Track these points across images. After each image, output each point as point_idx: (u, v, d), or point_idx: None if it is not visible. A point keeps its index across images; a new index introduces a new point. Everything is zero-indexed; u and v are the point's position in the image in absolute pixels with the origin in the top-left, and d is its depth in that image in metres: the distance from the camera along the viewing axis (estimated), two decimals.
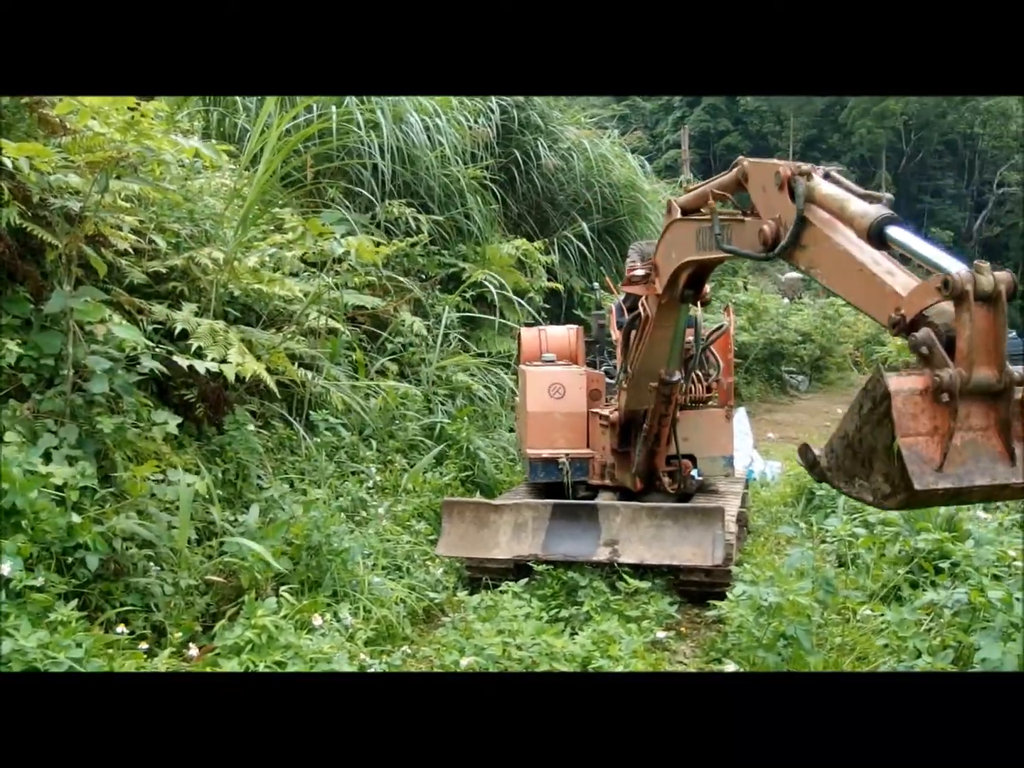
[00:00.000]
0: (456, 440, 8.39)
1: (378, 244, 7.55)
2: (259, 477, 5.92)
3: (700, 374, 6.87)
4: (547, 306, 12.53)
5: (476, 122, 11.85)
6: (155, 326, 5.45)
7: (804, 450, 3.00)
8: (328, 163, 8.95)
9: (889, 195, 3.12)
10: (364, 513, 6.37)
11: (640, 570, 5.65)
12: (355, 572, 5.28)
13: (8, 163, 4.42)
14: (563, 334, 7.87)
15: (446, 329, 9.67)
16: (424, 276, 10.10)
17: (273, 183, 7.04)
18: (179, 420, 5.02)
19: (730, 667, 4.40)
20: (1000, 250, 55.07)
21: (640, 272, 5.43)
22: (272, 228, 7.12)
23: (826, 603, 4.71)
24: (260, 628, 4.18)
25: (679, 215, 4.73)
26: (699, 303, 5.55)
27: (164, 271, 5.74)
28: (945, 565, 5.05)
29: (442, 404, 9.01)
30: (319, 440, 6.80)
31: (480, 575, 5.99)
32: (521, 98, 12.97)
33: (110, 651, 3.86)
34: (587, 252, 13.74)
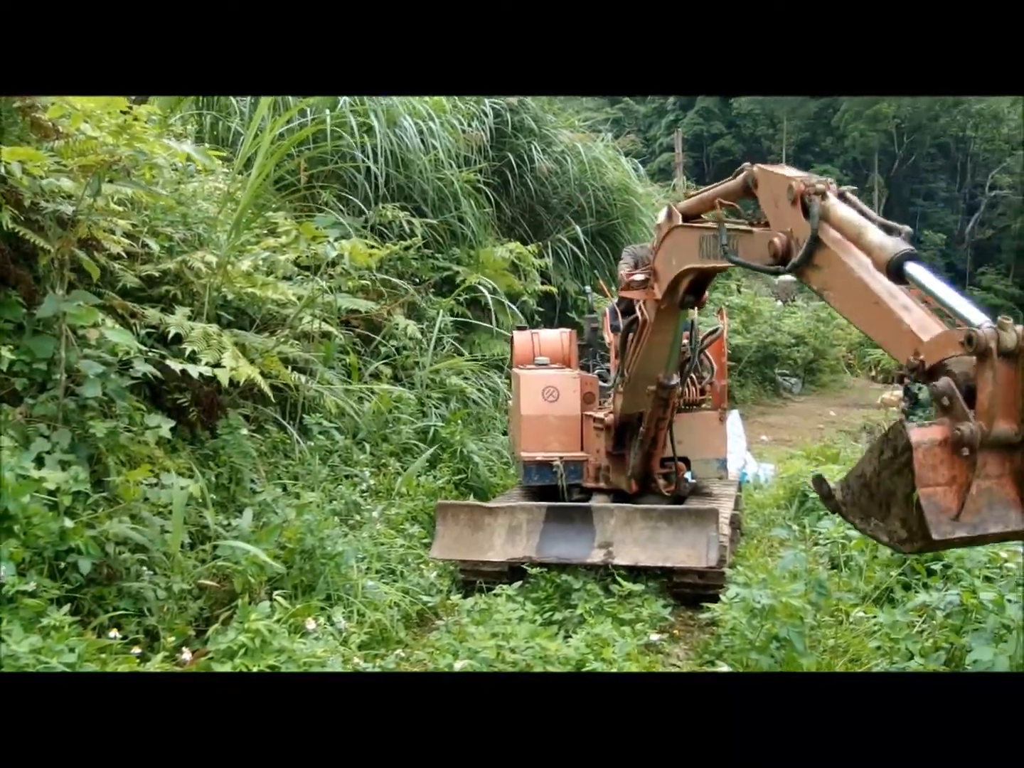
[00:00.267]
0: (450, 443, 8.39)
1: (371, 248, 7.55)
2: (252, 481, 5.91)
3: (694, 377, 6.88)
4: (541, 309, 12.54)
5: (470, 125, 11.87)
6: (148, 330, 5.44)
7: (819, 481, 3.03)
8: (322, 167, 8.95)
9: (908, 228, 3.08)
10: (358, 516, 6.37)
11: (634, 572, 5.65)
12: (349, 576, 5.27)
13: (0, 167, 4.42)
14: (556, 337, 7.87)
15: (440, 333, 9.67)
16: (418, 280, 10.10)
17: (266, 187, 7.03)
18: (172, 424, 5.01)
19: (723, 669, 4.41)
20: (992, 252, 55.25)
21: (639, 277, 5.42)
22: (265, 232, 7.12)
23: (819, 605, 4.71)
24: (253, 632, 4.18)
25: (680, 221, 4.68)
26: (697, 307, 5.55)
27: (157, 275, 5.73)
28: (937, 567, 5.05)
29: (436, 407, 9.00)
30: (312, 444, 6.80)
31: (474, 578, 5.98)
32: (515, 101, 12.99)
33: (103, 656, 3.85)
34: (581, 255, 13.75)
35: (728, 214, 4.11)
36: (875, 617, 4.71)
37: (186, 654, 4.14)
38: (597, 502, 6.38)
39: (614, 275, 7.18)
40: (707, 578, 5.70)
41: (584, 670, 4.37)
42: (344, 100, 9.50)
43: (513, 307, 11.17)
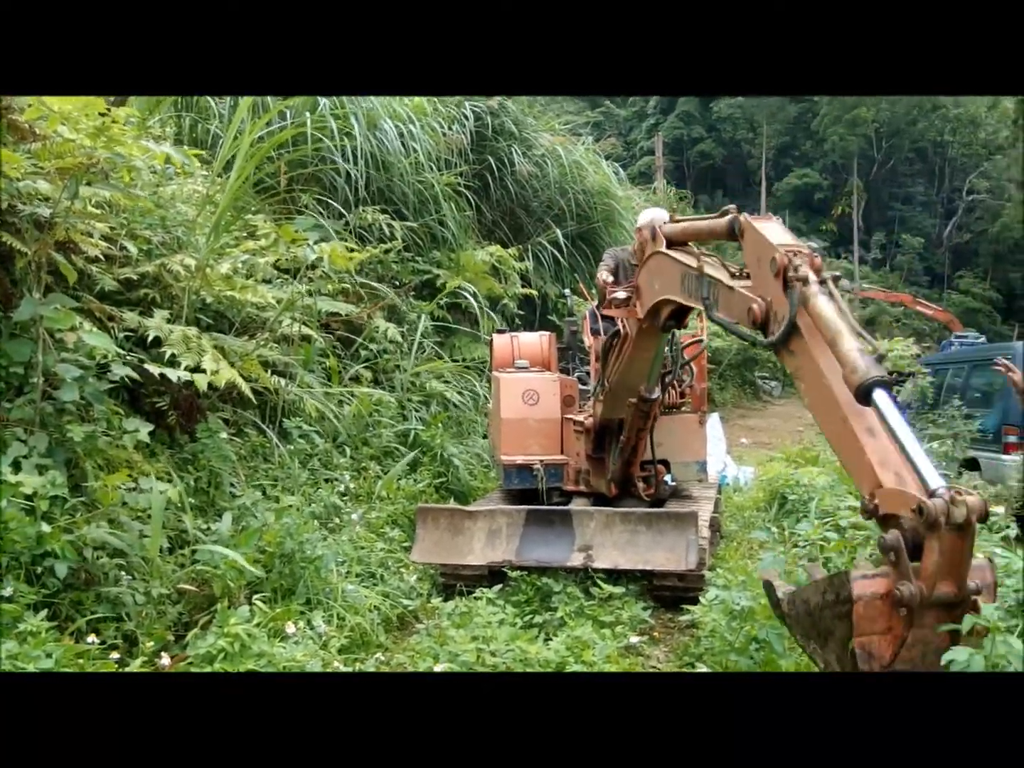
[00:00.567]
0: (430, 447, 8.39)
1: (351, 251, 7.54)
2: (232, 485, 5.89)
3: (674, 380, 6.90)
4: (521, 312, 12.55)
5: (450, 129, 11.88)
6: (126, 333, 5.41)
7: (769, 586, 3.23)
8: (302, 169, 8.94)
9: (881, 350, 3.13)
10: (337, 520, 6.36)
11: (614, 575, 5.66)
12: (329, 579, 5.25)
13: None
14: (535, 340, 7.88)
15: (420, 336, 9.66)
16: (398, 283, 10.08)
17: (246, 189, 7.01)
18: (151, 428, 4.98)
19: (703, 670, 4.42)
20: (970, 256, 55.70)
21: (621, 295, 5.42)
22: (245, 235, 7.09)
23: None
24: (233, 636, 4.16)
25: (663, 245, 4.66)
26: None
27: (135, 278, 5.70)
28: None
29: (416, 411, 9.00)
30: (292, 447, 6.78)
31: (454, 582, 5.98)
32: (495, 104, 13.00)
33: (80, 661, 3.82)
34: (561, 258, 13.79)
35: (707, 246, 4.13)
36: None
37: (165, 659, 4.12)
38: (577, 505, 6.39)
39: (595, 278, 7.18)
40: (687, 581, 5.72)
41: (565, 672, 4.37)
42: (324, 103, 9.49)
43: (492, 313, 11.17)
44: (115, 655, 4.00)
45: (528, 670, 4.35)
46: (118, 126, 4.77)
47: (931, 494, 2.64)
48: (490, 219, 13.42)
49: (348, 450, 7.62)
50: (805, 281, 3.22)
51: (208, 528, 5.18)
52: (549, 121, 16.41)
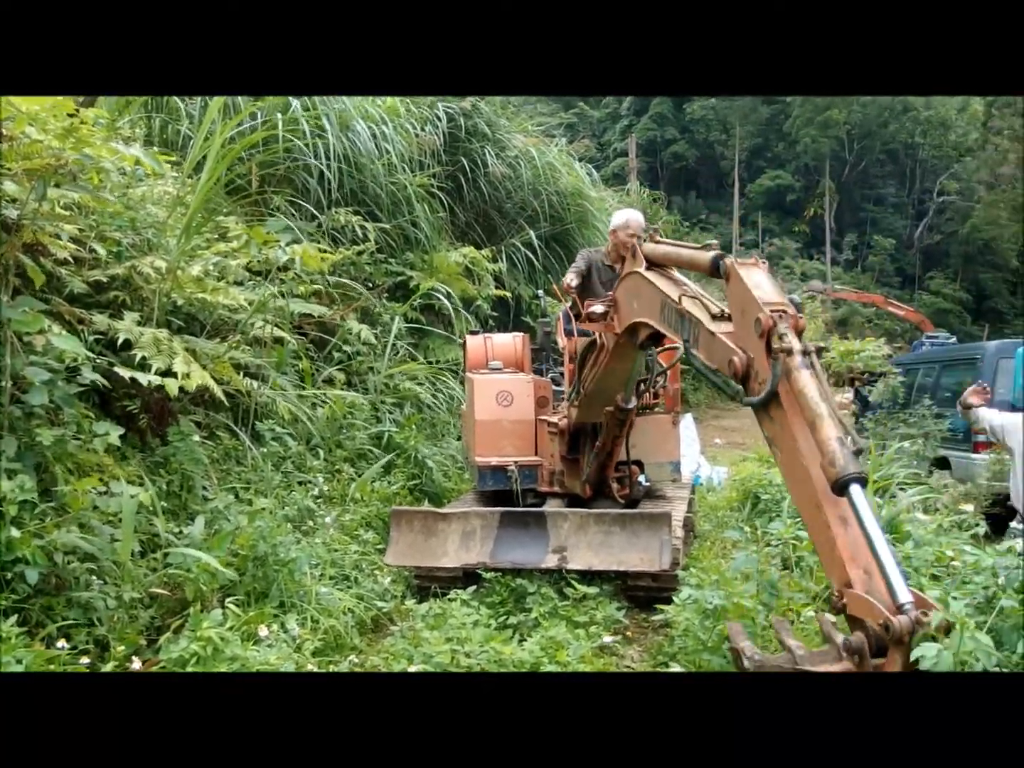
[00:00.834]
0: (404, 449, 8.37)
1: (324, 252, 7.52)
2: (204, 488, 5.85)
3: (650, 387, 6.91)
4: (495, 314, 12.56)
5: (423, 130, 11.87)
6: (96, 336, 5.36)
7: (737, 655, 3.30)
8: (273, 168, 8.90)
9: (862, 444, 3.21)
10: (311, 523, 6.33)
11: (588, 576, 5.67)
12: (302, 582, 5.23)
13: None
14: (509, 342, 7.89)
15: (394, 338, 9.63)
16: (371, 284, 10.06)
17: (217, 191, 6.97)
18: (121, 431, 4.94)
19: (675, 669, 4.44)
20: (941, 257, 56.26)
21: (599, 309, 5.40)
22: (216, 237, 7.05)
23: (770, 606, 4.75)
24: (206, 640, 4.13)
25: (643, 265, 4.63)
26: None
27: (105, 280, 5.66)
28: None
29: (390, 413, 8.98)
30: (265, 450, 6.74)
31: (429, 584, 5.97)
32: (468, 105, 13.00)
33: (51, 666, 3.79)
34: (535, 260, 13.80)
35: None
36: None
37: (136, 663, 4.09)
38: (551, 506, 6.39)
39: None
40: (660, 581, 5.73)
41: (539, 673, 4.38)
42: (296, 103, 9.45)
43: (466, 314, 11.17)
44: (86, 660, 3.97)
45: (503, 670, 4.36)
46: (87, 127, 4.74)
47: (898, 608, 2.73)
48: (463, 220, 13.42)
49: (322, 452, 7.59)
50: (789, 352, 3.24)
51: (180, 532, 5.14)
52: (522, 122, 16.42)
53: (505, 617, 5.30)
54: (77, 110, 4.72)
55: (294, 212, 9.07)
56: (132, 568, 4.68)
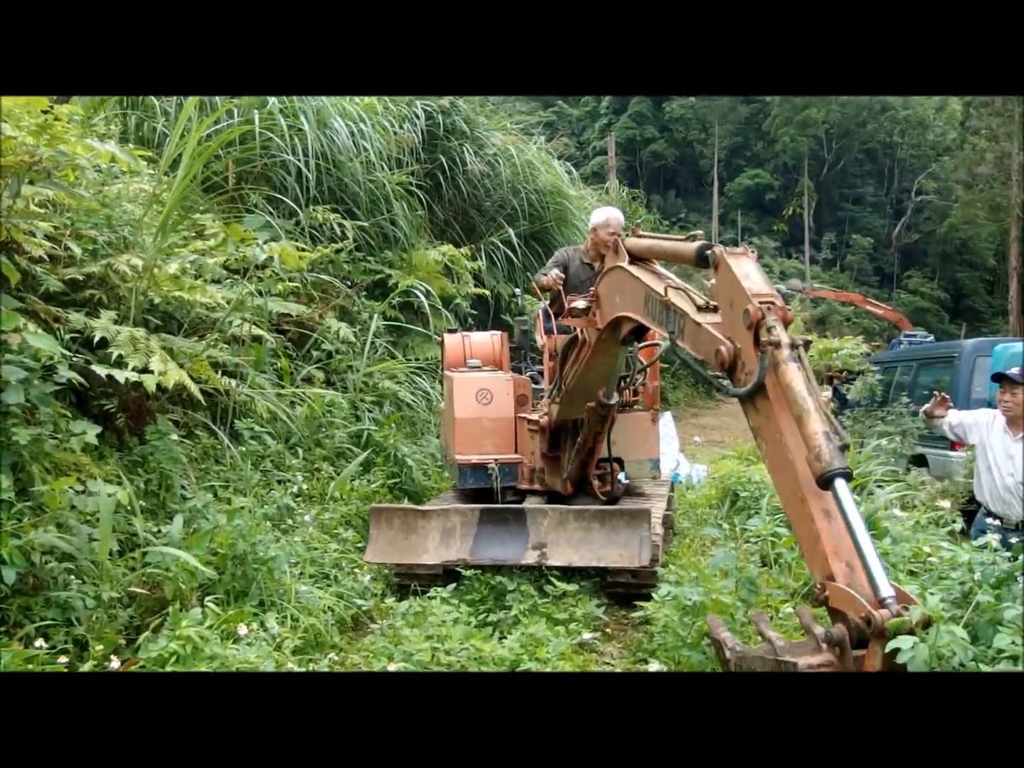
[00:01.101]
0: (383, 447, 8.35)
1: (302, 250, 7.49)
2: (182, 487, 5.82)
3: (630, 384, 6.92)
4: (474, 312, 12.55)
5: (401, 127, 11.83)
6: (72, 335, 5.32)
7: (719, 646, 3.32)
8: (251, 165, 8.86)
9: (848, 440, 3.21)
10: (290, 521, 6.31)
11: (568, 573, 5.68)
12: (282, 581, 5.21)
13: None
14: (487, 340, 7.88)
15: (373, 336, 9.61)
16: (350, 283, 10.03)
17: (193, 188, 6.94)
18: (98, 430, 4.90)
19: (655, 666, 4.45)
20: (919, 256, 56.66)
21: (580, 304, 5.40)
22: (193, 234, 7.02)
23: (749, 602, 4.77)
24: (185, 639, 4.11)
25: (626, 261, 4.62)
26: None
27: (81, 278, 5.62)
28: None
29: (369, 411, 8.96)
30: (244, 449, 6.71)
31: (409, 581, 5.96)
32: (446, 103, 12.98)
33: (30, 666, 3.77)
34: (514, 258, 13.79)
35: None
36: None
37: (115, 662, 4.07)
38: (530, 504, 6.40)
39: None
40: (640, 577, 5.75)
41: (519, 670, 4.39)
42: (272, 100, 9.41)
43: (446, 312, 11.16)
44: (64, 659, 3.95)
45: (483, 668, 4.36)
46: (61, 124, 4.71)
47: (880, 602, 2.77)
48: (442, 218, 13.40)
49: (301, 451, 7.57)
50: (778, 345, 3.25)
51: (159, 531, 5.12)
52: (501, 120, 16.40)
53: (485, 615, 5.30)
54: (51, 107, 4.68)
55: (272, 210, 9.03)
56: (110, 567, 4.65)
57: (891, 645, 2.67)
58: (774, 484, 3.49)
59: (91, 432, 4.79)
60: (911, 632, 2.69)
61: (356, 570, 6.11)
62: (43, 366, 4.70)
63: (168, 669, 3.99)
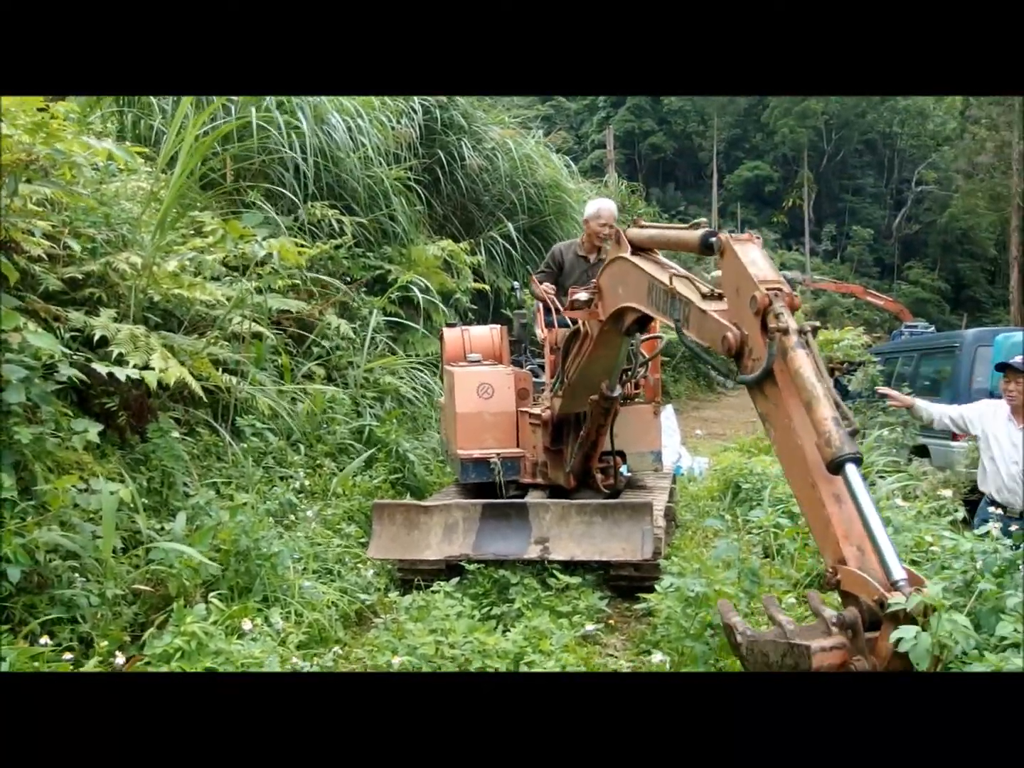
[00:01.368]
0: (385, 443, 8.36)
1: (301, 247, 7.49)
2: (185, 484, 5.82)
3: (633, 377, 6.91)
4: (474, 307, 12.55)
5: (399, 122, 11.81)
6: (72, 334, 5.32)
7: (729, 630, 3.29)
8: (248, 162, 8.85)
9: (856, 425, 3.22)
10: (293, 517, 6.32)
11: (570, 566, 5.69)
12: (285, 576, 5.22)
13: None
14: (486, 334, 7.87)
15: (373, 332, 9.61)
16: (349, 279, 10.03)
17: (190, 185, 6.93)
18: (100, 428, 4.91)
19: (658, 657, 4.45)
20: (919, 247, 56.61)
21: (583, 296, 5.40)
22: (192, 232, 7.01)
23: (752, 593, 4.77)
24: (189, 635, 4.12)
25: (628, 252, 4.60)
26: None
27: (80, 277, 5.61)
28: None
29: (370, 407, 8.96)
30: (246, 446, 6.72)
31: (412, 576, 5.97)
32: (444, 98, 12.96)
33: (36, 664, 3.78)
34: (513, 252, 13.78)
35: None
36: (807, 603, 4.79)
37: (120, 658, 4.08)
38: (532, 498, 6.40)
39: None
40: (642, 570, 5.75)
41: (522, 663, 4.39)
42: (269, 97, 9.39)
43: (444, 308, 11.15)
44: (69, 656, 3.96)
45: (487, 661, 4.37)
46: (57, 122, 4.70)
47: (892, 584, 2.78)
48: (441, 214, 13.39)
49: (302, 448, 7.58)
50: (786, 332, 3.24)
51: (162, 528, 5.13)
52: (499, 115, 16.38)
53: (488, 608, 5.30)
54: (47, 105, 4.68)
55: (270, 207, 9.01)
56: (114, 565, 4.66)
57: (894, 635, 2.68)
58: (783, 470, 3.49)
59: (93, 430, 4.79)
60: (924, 614, 2.71)
61: (359, 565, 6.11)
62: (44, 365, 4.71)
63: (173, 665, 4.00)
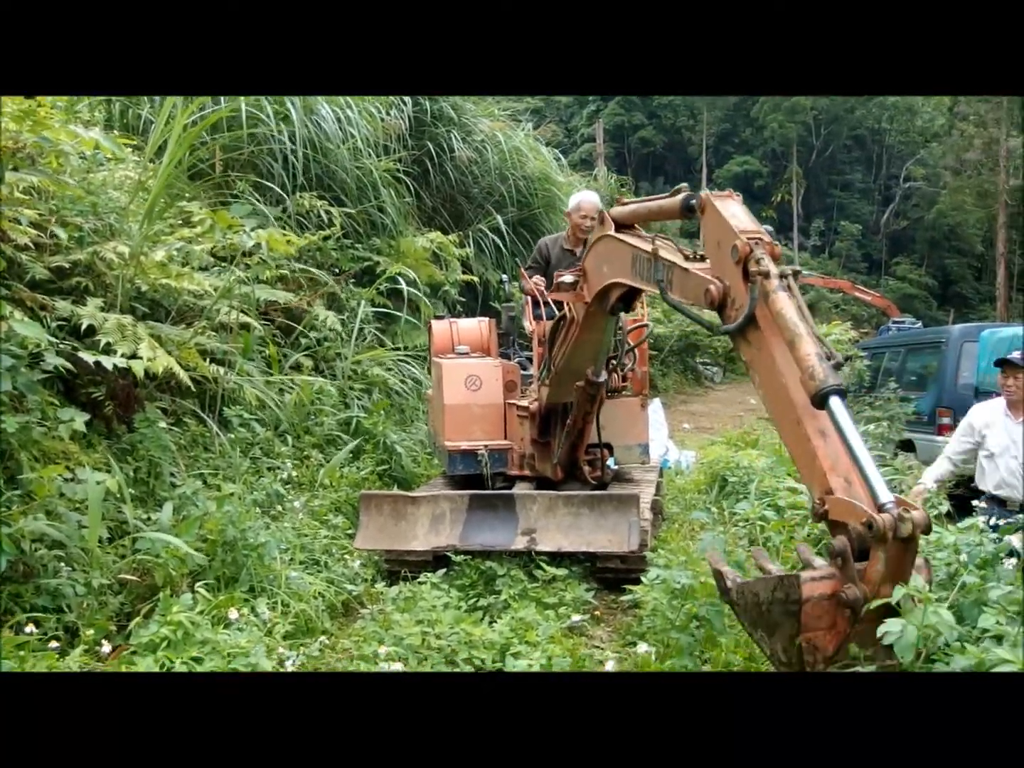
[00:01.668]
0: (373, 434, 8.35)
1: (290, 237, 7.47)
2: (172, 475, 5.82)
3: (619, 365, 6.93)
4: (463, 299, 12.54)
5: (388, 114, 11.79)
6: (59, 323, 5.30)
7: (718, 575, 3.32)
8: (237, 152, 8.82)
9: (840, 357, 3.21)
10: (280, 508, 6.32)
11: (557, 558, 5.70)
12: (272, 567, 5.22)
13: None
14: (474, 326, 7.87)
15: (361, 323, 9.60)
16: (338, 270, 10.01)
17: (178, 175, 6.90)
18: (87, 417, 4.89)
19: (643, 648, 4.47)
20: (907, 243, 56.73)
21: (568, 279, 5.41)
22: (179, 222, 6.99)
23: None
24: (176, 624, 4.12)
25: (612, 228, 4.65)
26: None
27: (67, 266, 5.59)
28: None
29: (358, 399, 8.95)
30: (233, 436, 6.71)
31: (399, 567, 5.97)
32: None
33: (21, 653, 3.77)
34: (502, 245, 13.77)
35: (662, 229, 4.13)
36: None
37: (106, 647, 4.07)
38: (520, 490, 6.41)
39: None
40: (629, 562, 5.76)
41: (508, 653, 4.40)
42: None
43: (429, 300, 11.14)
44: (55, 645, 3.95)
45: (473, 652, 4.38)
46: (44, 110, 4.68)
47: (880, 508, 2.80)
48: (430, 205, 13.37)
49: (290, 438, 7.58)
50: (767, 275, 3.25)
51: (148, 518, 5.12)
52: (488, 107, 16.33)
53: (475, 599, 5.31)
54: None
55: (259, 197, 8.99)
56: (100, 554, 4.66)
57: (881, 629, 2.70)
58: (768, 411, 3.49)
59: (79, 420, 4.78)
60: (910, 538, 2.76)
61: (346, 556, 6.12)
62: (30, 354, 4.69)
63: (159, 654, 3.99)
